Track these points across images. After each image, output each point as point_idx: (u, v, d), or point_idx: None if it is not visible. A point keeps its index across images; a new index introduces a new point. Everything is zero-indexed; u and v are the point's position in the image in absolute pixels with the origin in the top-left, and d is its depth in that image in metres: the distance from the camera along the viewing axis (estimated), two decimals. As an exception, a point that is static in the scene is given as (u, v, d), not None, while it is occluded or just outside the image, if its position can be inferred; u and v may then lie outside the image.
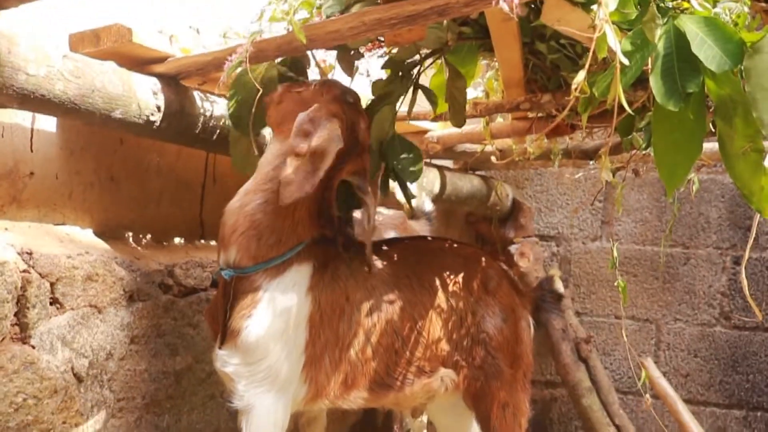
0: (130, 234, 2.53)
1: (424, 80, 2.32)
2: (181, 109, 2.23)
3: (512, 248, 4.44)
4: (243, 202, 1.97)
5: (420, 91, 2.29)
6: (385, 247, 2.23)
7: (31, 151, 2.16)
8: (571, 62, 2.14)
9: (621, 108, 1.50)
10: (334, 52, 2.21)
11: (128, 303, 2.30)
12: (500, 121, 3.02)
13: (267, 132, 2.33)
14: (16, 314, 1.95)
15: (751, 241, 1.71)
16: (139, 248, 2.52)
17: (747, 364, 4.40)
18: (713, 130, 1.78)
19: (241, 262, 1.95)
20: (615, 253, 2.42)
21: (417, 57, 2.23)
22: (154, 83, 2.16)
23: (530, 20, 1.91)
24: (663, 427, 4.13)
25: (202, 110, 2.31)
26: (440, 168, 3.66)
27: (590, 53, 1.44)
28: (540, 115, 2.66)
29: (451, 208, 3.93)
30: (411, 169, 2.19)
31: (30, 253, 2.00)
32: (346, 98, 2.03)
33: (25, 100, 1.81)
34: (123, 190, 2.47)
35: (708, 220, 4.47)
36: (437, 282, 2.17)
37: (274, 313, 1.92)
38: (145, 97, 2.10)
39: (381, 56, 2.23)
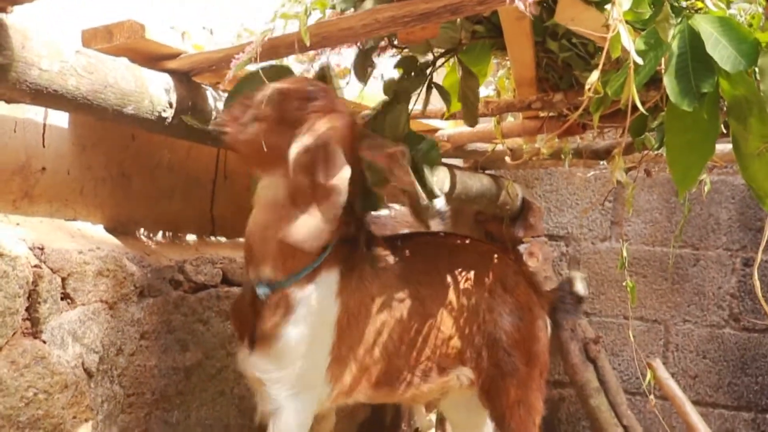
0: (142, 230, 2.54)
1: (436, 79, 2.32)
2: (193, 105, 2.23)
3: (521, 248, 4.43)
4: (268, 221, 1.93)
5: (433, 90, 2.29)
6: (403, 242, 2.22)
7: (43, 146, 2.16)
8: (582, 61, 2.14)
9: (633, 108, 1.50)
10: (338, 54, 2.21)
11: (139, 299, 2.30)
12: (511, 120, 3.02)
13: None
14: (27, 309, 1.95)
15: (764, 243, 1.70)
16: (150, 244, 2.52)
17: (756, 366, 4.39)
18: (725, 130, 1.78)
19: (276, 277, 1.95)
20: (624, 254, 2.41)
21: (430, 56, 2.23)
22: (167, 79, 2.16)
23: (543, 19, 1.91)
24: (670, 428, 4.12)
25: (213, 107, 2.31)
26: (450, 167, 3.65)
27: (604, 53, 1.44)
28: (551, 114, 2.66)
29: (460, 206, 3.92)
30: (430, 154, 2.17)
31: (41, 248, 2.00)
32: (329, 107, 1.91)
33: (38, 96, 1.81)
34: (134, 185, 2.48)
35: (718, 222, 4.46)
36: (456, 278, 2.18)
37: (306, 321, 1.93)
38: (157, 94, 2.10)
39: (393, 56, 2.23)
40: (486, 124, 3.13)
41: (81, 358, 2.09)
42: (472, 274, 2.21)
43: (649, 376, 3.18)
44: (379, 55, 2.19)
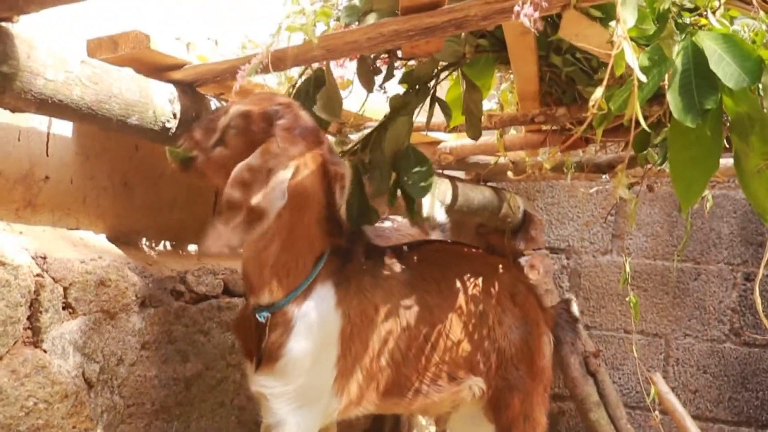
0: (144, 240, 2.54)
1: (440, 92, 2.32)
2: (197, 116, 2.23)
3: (522, 260, 4.43)
4: (258, 249, 1.92)
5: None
6: (413, 251, 2.23)
7: (47, 155, 2.17)
8: (586, 76, 2.15)
9: (637, 123, 1.50)
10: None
11: (140, 309, 2.30)
12: (513, 133, 3.03)
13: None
14: (28, 318, 1.96)
15: (765, 258, 1.70)
16: (151, 254, 2.53)
17: (757, 381, 4.38)
18: (727, 146, 1.78)
19: (275, 299, 1.95)
20: (627, 269, 2.41)
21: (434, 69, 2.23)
22: (171, 90, 2.17)
23: (547, 34, 1.92)
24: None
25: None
26: (452, 179, 3.66)
27: (608, 69, 1.44)
28: (554, 128, 2.66)
29: (462, 219, 3.92)
30: (421, 184, 2.19)
31: (44, 258, 2.01)
32: (292, 126, 1.87)
33: (43, 105, 1.81)
34: (137, 195, 2.48)
35: (719, 236, 4.46)
36: (465, 288, 2.18)
37: (307, 336, 1.93)
38: (161, 104, 2.10)
39: (397, 68, 2.23)
40: (489, 137, 3.14)
41: (81, 367, 2.09)
42: (482, 284, 2.21)
43: (653, 392, 3.17)
44: (381, 66, 2.19)
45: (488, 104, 2.72)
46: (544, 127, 2.71)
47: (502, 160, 3.33)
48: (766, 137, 1.59)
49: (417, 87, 2.23)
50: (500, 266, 2.32)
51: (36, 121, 2.12)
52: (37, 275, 1.97)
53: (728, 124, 1.70)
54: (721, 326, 4.45)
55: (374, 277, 2.05)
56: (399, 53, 2.11)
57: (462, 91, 2.26)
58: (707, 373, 4.48)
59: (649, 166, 2.41)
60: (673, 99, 1.56)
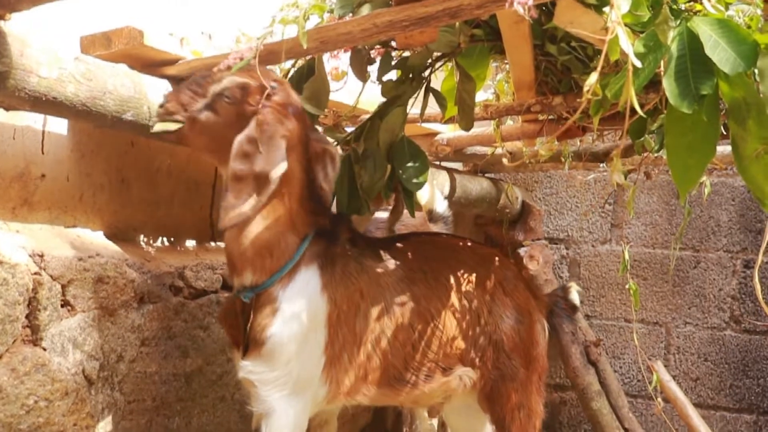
0: (141, 236, 2.54)
1: (434, 82, 2.32)
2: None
3: (521, 251, 4.43)
4: (239, 228, 1.93)
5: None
6: (400, 243, 2.23)
7: (43, 153, 2.16)
8: (582, 64, 2.14)
9: (633, 110, 1.50)
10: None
11: (139, 305, 2.30)
12: (510, 123, 3.02)
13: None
14: (27, 316, 1.95)
15: (764, 245, 1.70)
16: (149, 250, 2.52)
17: (757, 368, 4.38)
18: (725, 132, 1.78)
19: (258, 280, 1.95)
20: (626, 256, 2.41)
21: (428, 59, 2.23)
22: (166, 86, 2.16)
23: (542, 23, 1.91)
24: (673, 431, 4.12)
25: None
26: (450, 170, 3.66)
27: (602, 55, 1.43)
28: (550, 117, 2.65)
29: (460, 210, 3.92)
30: (414, 180, 2.19)
31: (41, 256, 2.00)
32: (286, 103, 1.92)
33: (37, 103, 1.81)
34: (134, 192, 2.48)
35: (718, 224, 4.46)
36: (454, 279, 2.18)
37: (293, 318, 1.93)
38: (155, 99, 2.10)
39: (393, 60, 2.23)
40: (485, 128, 3.13)
41: (81, 365, 2.09)
42: (472, 275, 2.21)
43: (654, 379, 3.17)
44: (375, 57, 2.19)
45: (484, 94, 2.71)
46: (540, 117, 2.71)
47: (499, 150, 3.32)
48: (763, 122, 1.58)
49: (411, 76, 2.22)
50: (490, 257, 2.32)
51: (31, 119, 2.11)
52: (35, 273, 1.97)
53: (725, 109, 1.69)
54: (721, 314, 4.46)
55: (360, 264, 2.05)
56: (393, 44, 2.11)
57: (456, 82, 2.25)
58: (708, 360, 4.48)
59: (646, 153, 2.41)
60: (669, 85, 1.55)
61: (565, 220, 4.82)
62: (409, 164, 2.20)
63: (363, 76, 2.19)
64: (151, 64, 2.17)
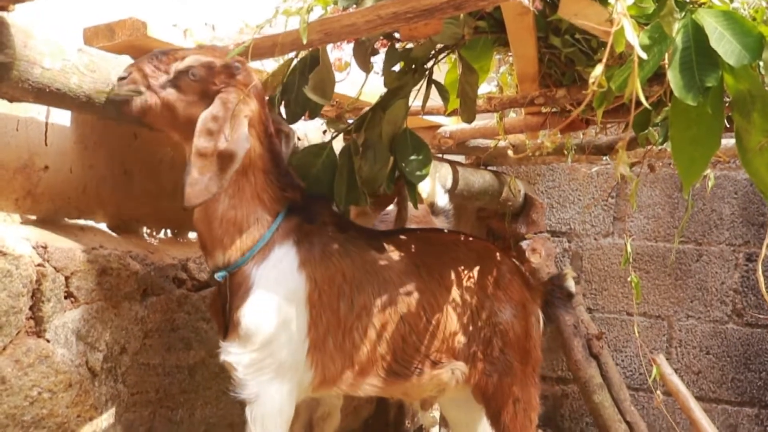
0: (144, 228, 2.54)
1: (437, 74, 2.31)
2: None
3: (524, 244, 4.43)
4: (206, 207, 1.93)
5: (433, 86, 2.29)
6: (394, 236, 2.22)
7: (46, 144, 2.16)
8: (585, 57, 2.14)
9: (637, 103, 1.50)
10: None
11: (142, 297, 2.31)
12: (513, 116, 3.02)
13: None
14: (31, 308, 1.96)
15: (768, 238, 1.70)
16: (153, 242, 2.52)
17: (759, 361, 4.38)
18: (728, 125, 1.77)
19: (231, 259, 1.95)
20: (629, 249, 2.40)
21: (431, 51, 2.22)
22: (169, 77, 2.15)
23: (546, 15, 1.91)
24: (674, 424, 4.12)
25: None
26: (452, 163, 3.65)
27: (607, 47, 1.43)
28: (554, 110, 2.65)
29: (462, 203, 3.92)
30: (417, 173, 2.19)
31: (45, 247, 2.00)
32: (248, 82, 1.95)
33: (41, 94, 1.81)
34: (137, 184, 2.47)
35: (721, 217, 4.45)
36: (447, 274, 2.17)
37: (268, 296, 1.92)
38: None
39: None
40: (488, 121, 3.13)
41: (85, 356, 2.09)
42: (465, 269, 2.20)
43: (654, 372, 3.17)
44: (378, 48, 2.18)
45: (487, 87, 2.71)
46: (543, 110, 2.70)
47: (502, 143, 3.32)
48: (767, 114, 1.58)
49: (414, 68, 2.22)
50: (484, 251, 2.31)
51: (34, 111, 2.11)
52: (39, 265, 1.97)
53: (729, 102, 1.69)
54: (723, 307, 4.45)
55: (344, 248, 2.04)
56: (397, 35, 2.10)
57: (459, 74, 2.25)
58: (710, 354, 4.48)
59: (649, 146, 2.40)
60: (673, 77, 1.55)
61: (568, 212, 4.82)
62: (412, 157, 2.20)
63: (366, 67, 2.18)
64: (155, 56, 2.17)
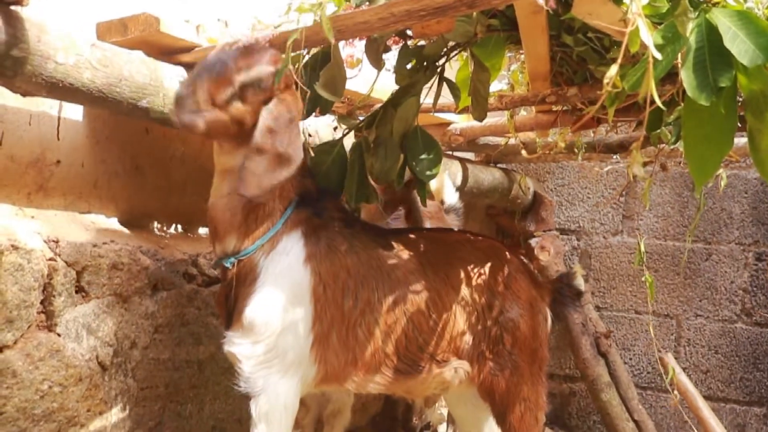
0: (155, 223, 2.54)
1: (448, 72, 2.31)
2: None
3: (533, 241, 4.43)
4: (231, 189, 1.92)
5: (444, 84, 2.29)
6: (401, 234, 2.22)
7: (58, 139, 2.17)
8: (597, 55, 2.13)
9: (650, 101, 1.49)
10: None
11: (153, 292, 2.31)
12: (524, 114, 3.01)
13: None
14: (42, 302, 1.96)
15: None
16: (163, 237, 2.53)
17: (768, 361, 4.38)
18: (740, 125, 1.77)
19: (241, 246, 1.94)
20: (642, 248, 2.40)
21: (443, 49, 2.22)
22: (181, 73, 2.16)
23: (559, 13, 1.90)
24: (692, 425, 4.11)
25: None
26: (462, 160, 3.65)
27: (623, 47, 1.43)
28: (565, 108, 2.65)
29: (472, 200, 3.92)
30: (428, 172, 2.18)
31: (56, 242, 2.01)
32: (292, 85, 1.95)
33: (54, 89, 1.81)
34: (148, 179, 2.48)
35: (731, 216, 4.44)
36: (453, 273, 2.16)
37: (275, 288, 1.91)
38: (171, 87, 2.10)
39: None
40: (499, 118, 3.13)
41: (95, 351, 2.10)
42: (472, 269, 2.19)
43: (671, 373, 3.16)
44: (390, 45, 2.18)
45: (499, 85, 2.70)
46: (554, 108, 2.70)
47: (512, 141, 3.31)
48: (780, 115, 1.57)
49: (425, 65, 2.21)
50: (491, 250, 2.30)
51: (47, 105, 2.12)
52: (50, 259, 1.98)
53: (742, 101, 1.68)
54: (732, 306, 4.44)
55: (350, 244, 2.03)
56: (409, 32, 2.10)
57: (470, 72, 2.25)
58: (719, 353, 4.48)
59: (662, 145, 2.40)
60: (687, 77, 1.54)
61: (577, 211, 4.81)
62: (423, 156, 2.19)
63: (378, 64, 2.17)
64: (167, 51, 2.17)
